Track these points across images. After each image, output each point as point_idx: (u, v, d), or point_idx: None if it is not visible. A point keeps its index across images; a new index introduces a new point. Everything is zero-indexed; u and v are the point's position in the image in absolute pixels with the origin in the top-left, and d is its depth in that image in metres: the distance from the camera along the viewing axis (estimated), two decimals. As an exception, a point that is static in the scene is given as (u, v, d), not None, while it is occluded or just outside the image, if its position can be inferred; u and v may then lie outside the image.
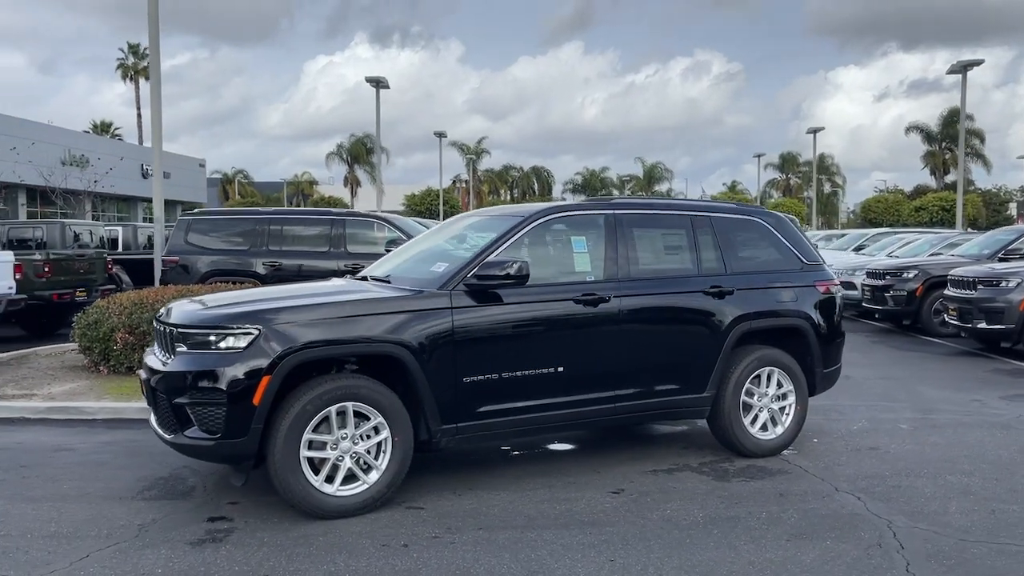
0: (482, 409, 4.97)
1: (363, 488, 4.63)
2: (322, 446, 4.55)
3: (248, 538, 4.29)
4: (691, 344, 5.68)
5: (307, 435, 4.48)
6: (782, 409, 6.04)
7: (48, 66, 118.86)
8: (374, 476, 4.67)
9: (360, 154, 67.84)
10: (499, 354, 5.04)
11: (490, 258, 5.07)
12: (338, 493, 4.57)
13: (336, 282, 5.97)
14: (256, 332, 4.44)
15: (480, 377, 4.94)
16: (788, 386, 6.04)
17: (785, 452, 6.02)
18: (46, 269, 11.91)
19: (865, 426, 6.92)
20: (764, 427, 5.98)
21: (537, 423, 5.21)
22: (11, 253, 11.51)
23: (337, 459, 4.58)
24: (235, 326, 4.47)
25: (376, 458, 4.69)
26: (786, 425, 6.05)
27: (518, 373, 5.06)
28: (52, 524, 4.49)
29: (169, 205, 51.44)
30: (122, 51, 68.36)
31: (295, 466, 4.45)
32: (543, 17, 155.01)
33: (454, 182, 72.52)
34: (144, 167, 49.04)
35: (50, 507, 4.78)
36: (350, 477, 4.63)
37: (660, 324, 5.62)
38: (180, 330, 4.60)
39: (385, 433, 4.67)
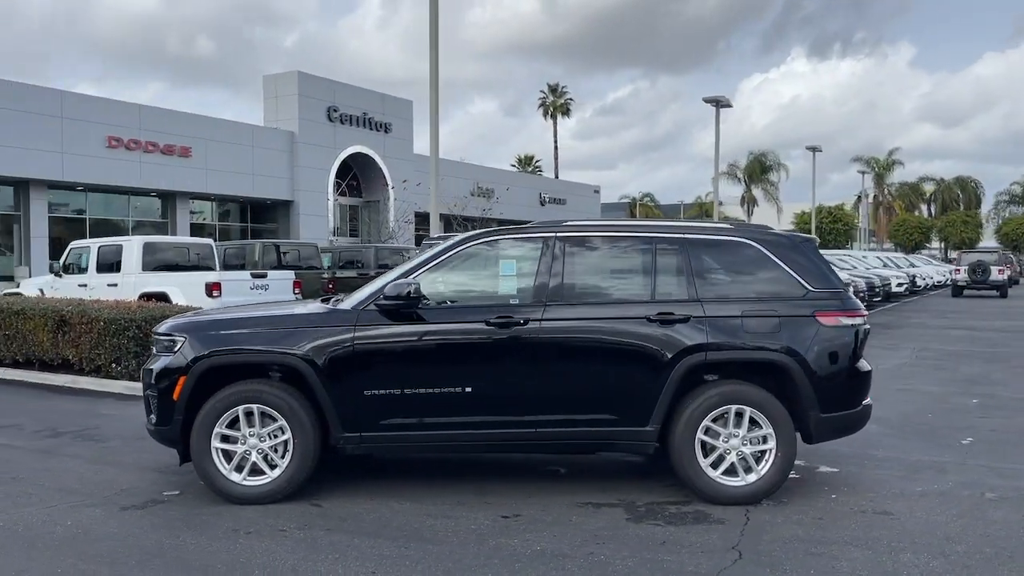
0: (385, 422, 5.39)
1: (266, 481, 5.37)
2: (234, 440, 5.38)
3: (174, 509, 5.29)
4: (627, 373, 5.42)
5: (218, 429, 5.35)
6: (760, 454, 5.42)
7: (513, 109, 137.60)
8: (276, 472, 5.37)
9: (755, 172, 66.62)
10: (402, 371, 5.42)
11: (398, 280, 5.48)
12: (244, 482, 5.36)
13: (299, 302, 6.67)
14: (182, 340, 5.45)
15: (382, 391, 5.37)
16: (767, 429, 5.40)
17: (765, 502, 5.40)
18: (330, 285, 14.37)
19: (900, 478, 5.82)
20: (732, 471, 5.43)
21: (445, 440, 5.46)
22: (292, 272, 14.14)
23: (245, 453, 5.38)
24: (174, 335, 5.53)
25: (282, 457, 5.39)
26: (762, 473, 5.41)
27: (421, 390, 5.38)
28: (68, 479, 5.96)
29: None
30: (543, 92, 75.53)
31: (207, 455, 5.34)
32: (1014, 7, 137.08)
33: (859, 198, 67.57)
34: (541, 195, 53.78)
35: (82, 465, 6.28)
36: (258, 470, 5.40)
37: (588, 350, 5.47)
38: (154, 335, 5.80)
39: (287, 435, 5.36)
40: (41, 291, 14.44)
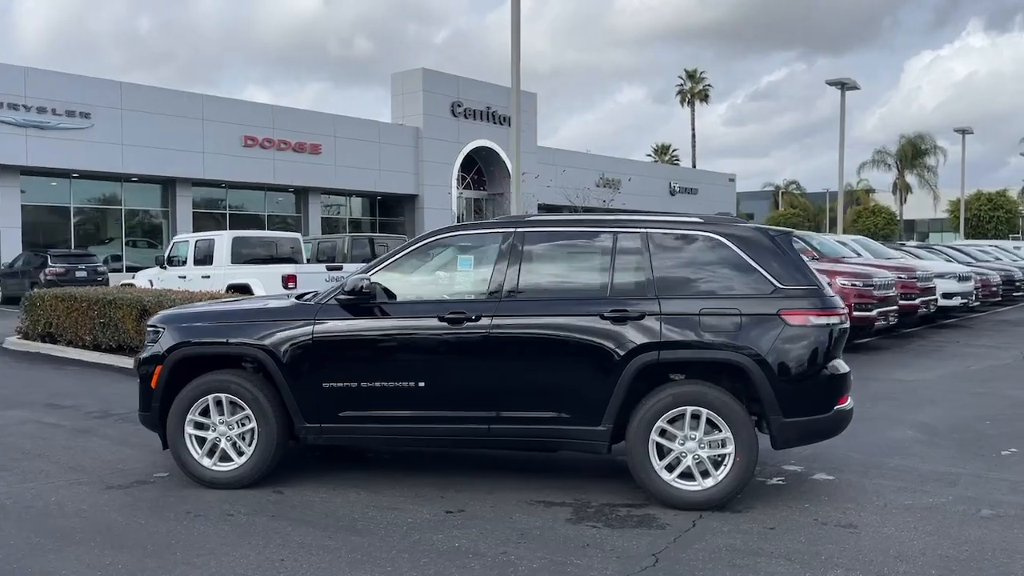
0: (344, 414, 5.53)
1: (233, 467, 5.63)
2: (206, 427, 5.68)
3: (152, 490, 5.65)
4: (579, 371, 5.31)
5: (191, 416, 5.65)
6: (720, 458, 5.20)
7: (662, 96, 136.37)
8: (243, 459, 5.62)
9: (907, 156, 62.58)
10: (358, 365, 5.54)
11: (355, 275, 5.61)
12: (214, 467, 5.65)
13: (276, 297, 6.75)
14: (161, 331, 5.80)
15: (339, 384, 5.52)
16: (725, 432, 5.16)
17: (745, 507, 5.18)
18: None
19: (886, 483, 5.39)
20: (688, 475, 5.23)
21: (400, 434, 5.55)
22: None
23: (215, 439, 5.66)
24: (156, 326, 5.89)
25: (249, 444, 5.64)
26: (719, 478, 5.18)
27: (376, 384, 5.49)
28: (84, 458, 6.45)
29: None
30: (680, 78, 74.01)
31: (181, 440, 5.66)
32: None
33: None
34: (671, 185, 52.78)
35: (105, 446, 6.77)
36: (227, 456, 5.67)
37: (540, 348, 5.39)
38: (147, 326, 6.19)
39: (253, 423, 5.60)
40: (151, 282, 15.61)
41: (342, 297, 5.55)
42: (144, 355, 5.86)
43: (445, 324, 5.42)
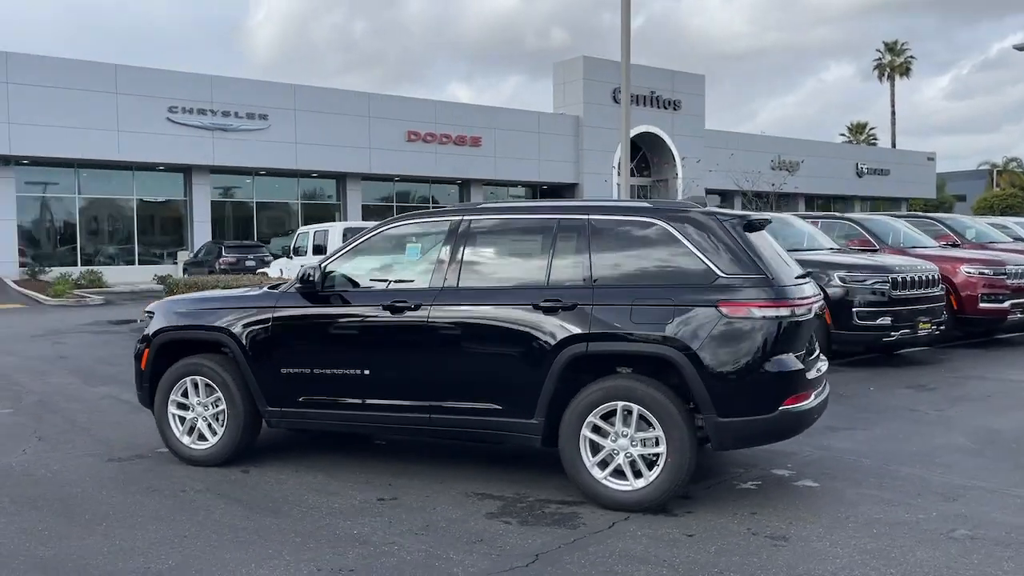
0: (301, 399, 5.71)
1: (207, 446, 5.96)
2: (186, 407, 6.04)
3: (140, 464, 6.11)
4: (512, 362, 5.17)
5: (174, 396, 6.03)
6: (653, 457, 4.89)
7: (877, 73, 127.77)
8: (215, 439, 5.94)
9: None
10: (310, 351, 5.70)
11: (310, 264, 5.76)
12: (191, 446, 6.00)
13: (256, 286, 6.96)
14: (151, 317, 6.22)
15: (294, 370, 5.70)
16: (658, 430, 4.85)
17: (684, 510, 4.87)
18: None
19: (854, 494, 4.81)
20: (621, 474, 4.96)
21: (351, 420, 5.64)
22: None
23: (193, 419, 6.02)
24: (149, 311, 6.33)
25: (221, 425, 5.95)
26: (651, 479, 4.88)
27: (327, 371, 5.62)
28: (116, 433, 7.05)
29: (891, 202, 50.81)
30: (878, 51, 69.13)
31: (165, 418, 6.06)
32: None
33: None
34: (859, 166, 49.55)
35: (143, 421, 7.36)
36: (203, 436, 6.00)
37: (475, 337, 5.29)
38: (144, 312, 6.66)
39: (223, 405, 5.91)
40: (280, 271, 16.71)
41: (298, 285, 5.72)
42: (138, 339, 6.33)
43: (388, 313, 5.46)
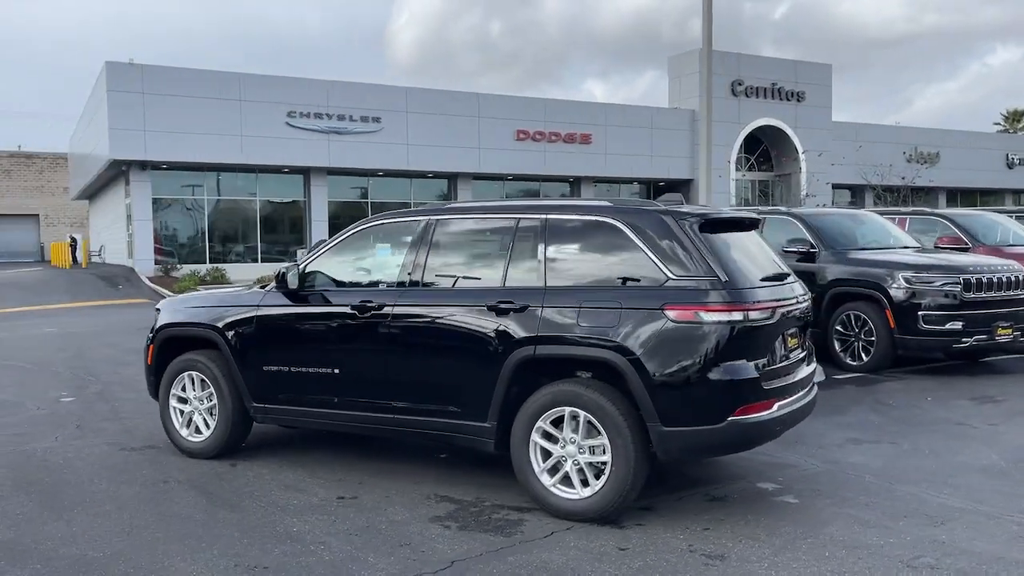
0: (281, 396, 5.84)
1: (201, 439, 6.18)
2: (186, 401, 6.30)
3: (145, 455, 6.41)
4: (466, 365, 5.10)
5: (175, 391, 6.29)
6: (600, 466, 4.71)
7: None
8: (208, 432, 6.16)
9: None
10: (289, 350, 5.81)
11: (288, 264, 5.87)
12: (188, 438, 6.25)
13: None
14: (157, 314, 6.51)
15: (275, 368, 5.83)
16: (604, 438, 4.67)
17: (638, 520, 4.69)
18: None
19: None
20: (568, 481, 4.80)
21: (325, 418, 5.71)
22: None
23: (190, 413, 6.26)
24: (156, 309, 6.62)
25: (214, 419, 6.16)
26: (596, 488, 4.70)
27: (304, 369, 5.72)
28: (143, 424, 7.44)
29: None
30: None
31: (166, 411, 6.34)
32: None
33: None
34: (1009, 156, 46.12)
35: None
36: (199, 429, 6.23)
37: (432, 338, 5.25)
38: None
39: (214, 400, 6.12)
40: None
41: (275, 284, 5.85)
42: (148, 335, 6.65)
43: (355, 312, 5.50)
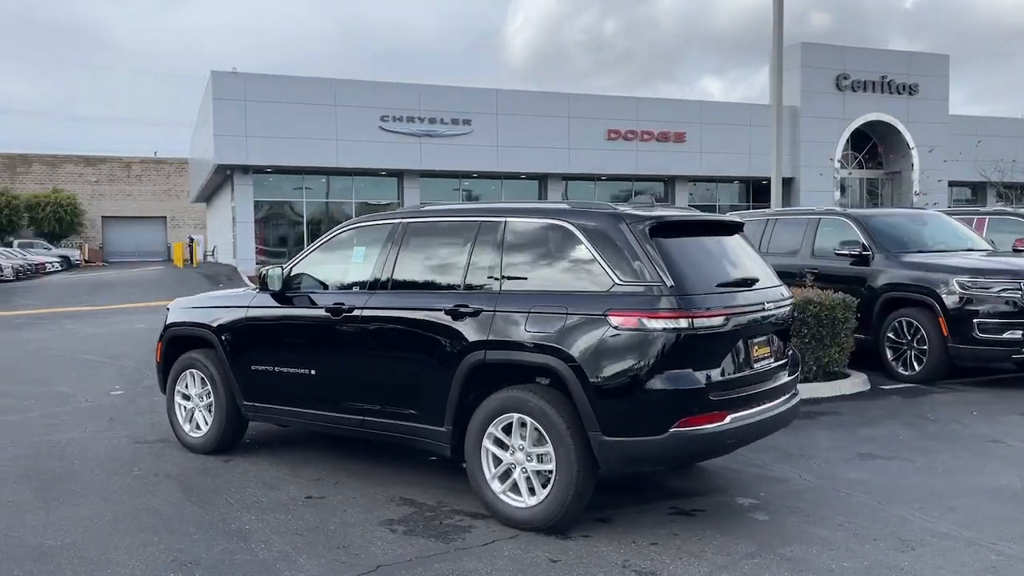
0: (268, 395, 5.97)
1: (200, 435, 6.39)
2: (188, 398, 6.52)
3: (152, 448, 6.67)
4: (425, 368, 5.07)
5: (179, 388, 6.53)
6: (548, 474, 4.60)
7: None
8: (206, 428, 6.36)
9: None
10: (273, 350, 5.93)
11: (270, 267, 5.99)
12: (191, 434, 6.46)
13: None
14: (167, 313, 6.76)
15: (261, 367, 5.96)
16: (548, 446, 4.56)
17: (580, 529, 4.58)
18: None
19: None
20: (517, 489, 4.71)
21: (304, 418, 5.81)
22: None
23: (192, 410, 6.48)
24: (167, 308, 6.87)
25: (212, 416, 6.35)
26: (541, 497, 4.59)
27: (286, 369, 5.83)
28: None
29: None
30: None
31: (172, 407, 6.58)
32: None
33: None
34: None
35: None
36: (200, 425, 6.43)
37: (396, 341, 5.25)
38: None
39: (211, 398, 6.31)
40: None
41: (260, 287, 5.99)
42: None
43: (328, 315, 5.56)
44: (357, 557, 4.34)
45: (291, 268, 5.96)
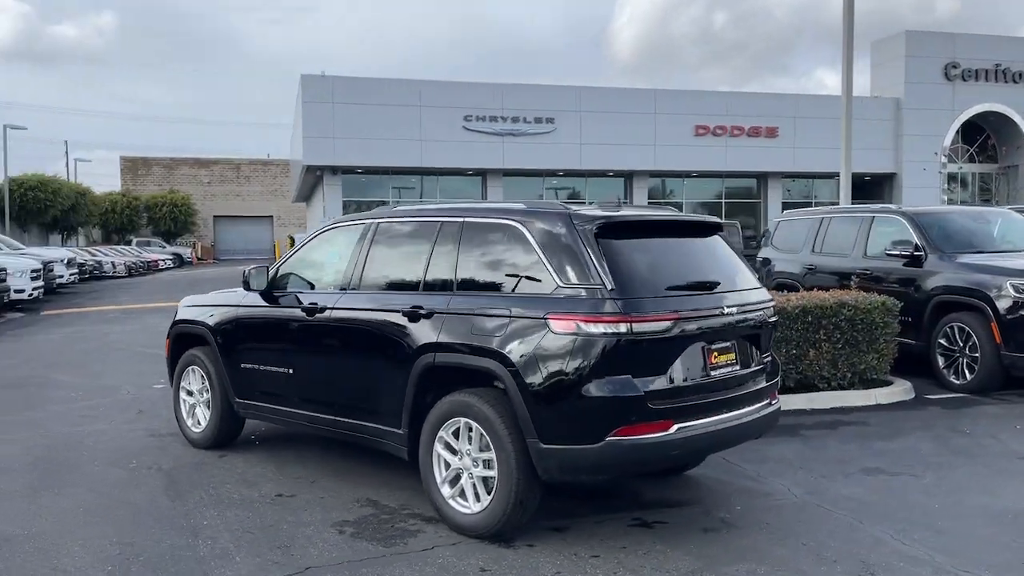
0: (256, 392, 6.05)
1: (200, 429, 6.53)
2: (191, 393, 6.69)
3: (163, 441, 6.89)
4: (384, 369, 5.04)
5: (182, 383, 6.70)
6: (492, 480, 4.49)
7: None
8: (204, 423, 6.50)
9: None
10: (258, 349, 6.01)
11: (252, 267, 6.07)
12: (192, 428, 6.62)
13: None
14: (175, 311, 6.96)
15: (249, 365, 6.06)
16: (491, 452, 4.45)
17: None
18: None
19: None
20: (465, 495, 4.62)
21: (287, 417, 5.86)
22: None
23: (193, 405, 6.64)
24: (179, 305, 7.07)
25: (210, 411, 6.50)
26: (485, 504, 4.49)
27: (269, 368, 5.90)
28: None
29: None
30: None
31: (177, 403, 6.76)
32: None
33: None
34: None
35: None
36: (200, 421, 6.58)
37: (359, 342, 5.23)
38: None
39: (209, 394, 6.45)
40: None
41: (243, 286, 6.07)
42: (171, 330, 7.13)
43: (303, 314, 5.60)
44: (292, 558, 4.34)
45: (279, 267, 6.03)
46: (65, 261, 26.32)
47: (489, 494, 4.48)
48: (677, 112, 32.18)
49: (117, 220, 60.16)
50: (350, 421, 5.32)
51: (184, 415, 6.71)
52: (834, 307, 7.79)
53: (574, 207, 4.65)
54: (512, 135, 31.14)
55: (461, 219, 4.96)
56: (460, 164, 31.19)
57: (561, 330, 4.21)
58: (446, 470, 4.71)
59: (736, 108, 32.76)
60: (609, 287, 4.19)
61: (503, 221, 4.74)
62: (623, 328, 4.14)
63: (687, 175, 34.34)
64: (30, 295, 20.29)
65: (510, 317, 4.41)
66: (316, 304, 5.51)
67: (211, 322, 6.35)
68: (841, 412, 7.49)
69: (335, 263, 5.71)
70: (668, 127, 32.04)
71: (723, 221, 5.11)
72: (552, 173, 32.92)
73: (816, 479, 5.58)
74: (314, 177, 34.55)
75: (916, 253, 9.00)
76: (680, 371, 4.34)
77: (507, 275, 4.63)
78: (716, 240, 5.04)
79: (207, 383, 6.42)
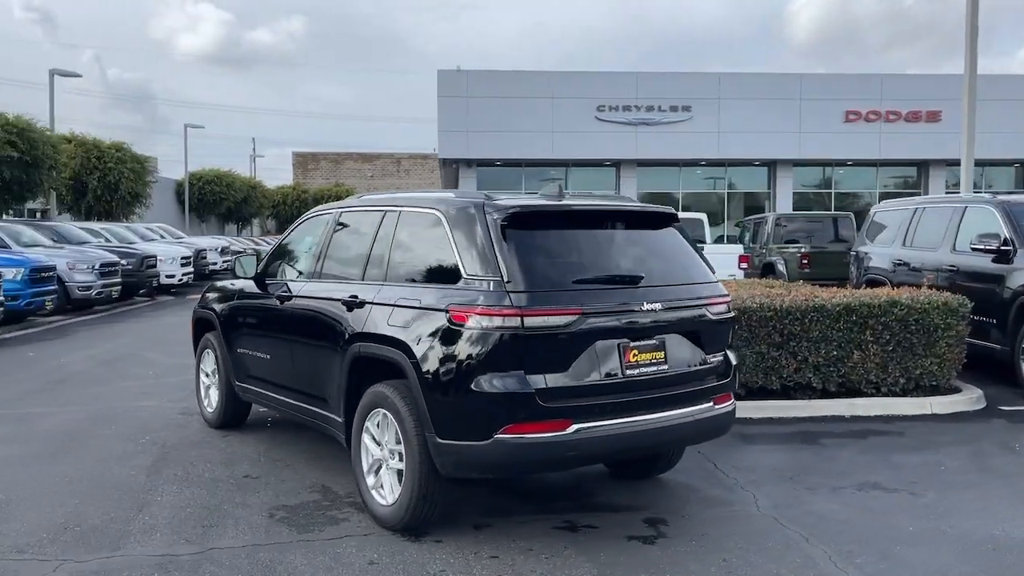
0: (249, 375, 6.26)
1: (212, 410, 6.83)
2: (208, 375, 6.98)
3: (182, 420, 7.26)
4: (327, 357, 5.06)
5: (202, 366, 7.01)
6: (403, 473, 4.43)
7: None
8: (216, 404, 6.79)
9: None
10: (247, 335, 6.19)
11: (247, 252, 6.23)
12: (207, 408, 6.90)
13: None
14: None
15: (241, 350, 6.27)
16: (401, 443, 4.38)
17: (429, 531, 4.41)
18: (804, 261, 13.02)
19: None
20: (383, 485, 4.58)
21: (268, 400, 6.00)
22: (739, 246, 13.16)
23: (208, 386, 6.92)
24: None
25: (219, 393, 6.77)
26: (396, 494, 4.43)
27: (256, 353, 6.07)
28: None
29: None
30: None
31: (197, 384, 7.07)
32: None
33: None
34: None
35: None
36: (212, 402, 6.88)
37: (311, 329, 5.30)
38: None
39: (217, 377, 6.73)
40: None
41: (232, 274, 6.28)
42: (198, 315, 7.47)
43: (276, 302, 5.72)
44: (204, 538, 4.44)
45: (268, 255, 6.19)
46: (219, 249, 28.25)
47: (401, 487, 4.41)
48: (825, 97, 30.35)
49: (288, 211, 64.05)
50: (307, 407, 5.40)
51: (202, 396, 7.03)
52: (883, 306, 7.11)
53: (497, 197, 4.47)
54: (645, 124, 30.44)
55: (399, 208, 4.91)
56: (590, 155, 30.86)
57: (458, 323, 4.07)
58: (370, 460, 4.68)
59: (892, 92, 30.50)
60: (505, 279, 4.01)
61: (428, 210, 4.64)
62: (514, 322, 3.94)
63: (839, 163, 32.39)
64: (180, 280, 21.86)
65: (421, 309, 4.32)
66: (287, 292, 5.62)
67: (217, 308, 6.61)
68: (882, 420, 6.83)
69: (307, 252, 5.80)
70: (815, 114, 30.27)
71: (682, 216, 4.73)
72: (696, 162, 31.96)
73: (798, 492, 5.12)
74: (451, 170, 35.27)
75: (1004, 248, 8.07)
76: (584, 369, 4.09)
77: (428, 266, 4.54)
78: (667, 232, 4.72)
79: (217, 366, 6.70)
